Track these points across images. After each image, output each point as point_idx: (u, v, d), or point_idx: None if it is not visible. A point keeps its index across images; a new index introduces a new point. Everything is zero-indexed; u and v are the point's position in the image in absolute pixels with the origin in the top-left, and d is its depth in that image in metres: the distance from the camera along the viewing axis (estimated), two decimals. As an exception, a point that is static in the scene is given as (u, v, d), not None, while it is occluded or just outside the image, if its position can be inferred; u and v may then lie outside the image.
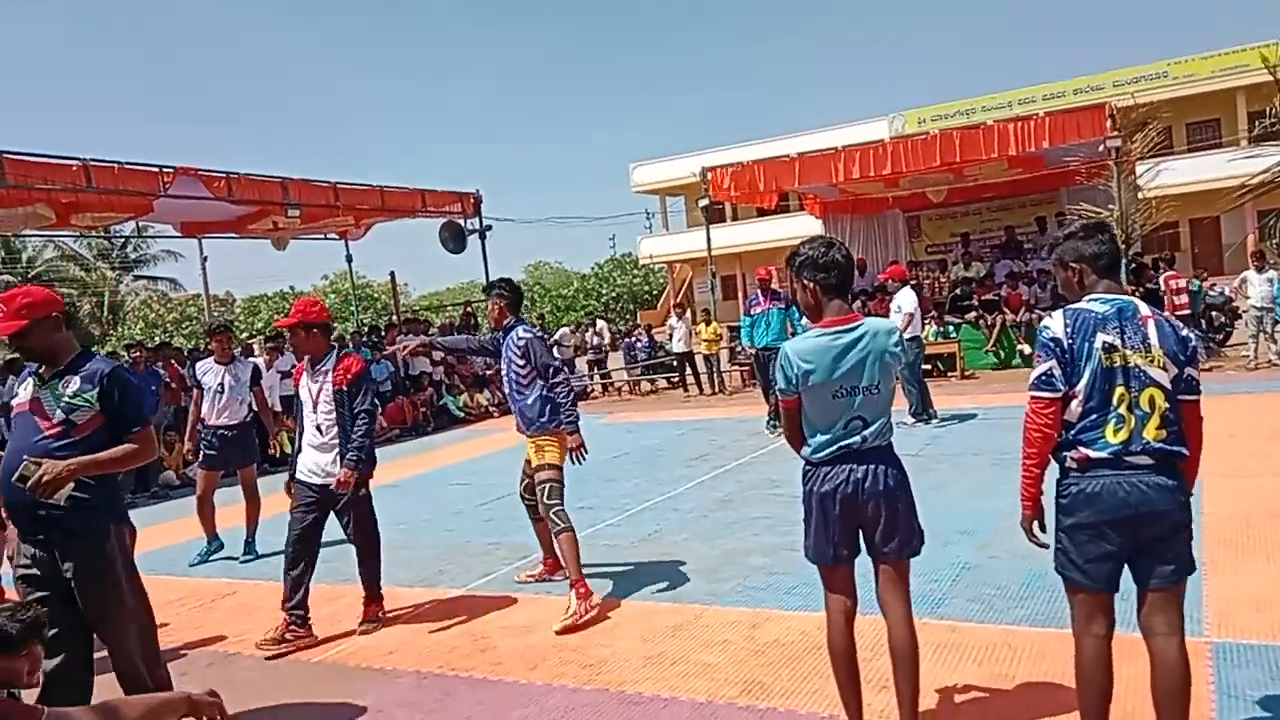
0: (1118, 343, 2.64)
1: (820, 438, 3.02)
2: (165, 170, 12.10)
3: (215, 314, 33.82)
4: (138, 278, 37.88)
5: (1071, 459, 2.70)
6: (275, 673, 4.47)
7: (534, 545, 6.37)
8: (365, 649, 4.68)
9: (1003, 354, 15.02)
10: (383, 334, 17.00)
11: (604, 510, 7.34)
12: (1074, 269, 2.83)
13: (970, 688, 3.51)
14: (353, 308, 28.13)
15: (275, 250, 16.90)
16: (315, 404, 4.98)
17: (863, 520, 3.02)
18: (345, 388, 4.91)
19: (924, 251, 19.01)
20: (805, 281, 3.06)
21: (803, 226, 26.99)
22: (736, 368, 17.35)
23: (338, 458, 4.90)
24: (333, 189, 14.96)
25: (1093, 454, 2.65)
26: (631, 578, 5.43)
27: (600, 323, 20.34)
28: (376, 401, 5.09)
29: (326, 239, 18.53)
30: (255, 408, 7.37)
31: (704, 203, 16.95)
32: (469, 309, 20.29)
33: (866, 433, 2.99)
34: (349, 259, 18.86)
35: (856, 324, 3.01)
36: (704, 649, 4.19)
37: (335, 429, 4.92)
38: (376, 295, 40.80)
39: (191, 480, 11.67)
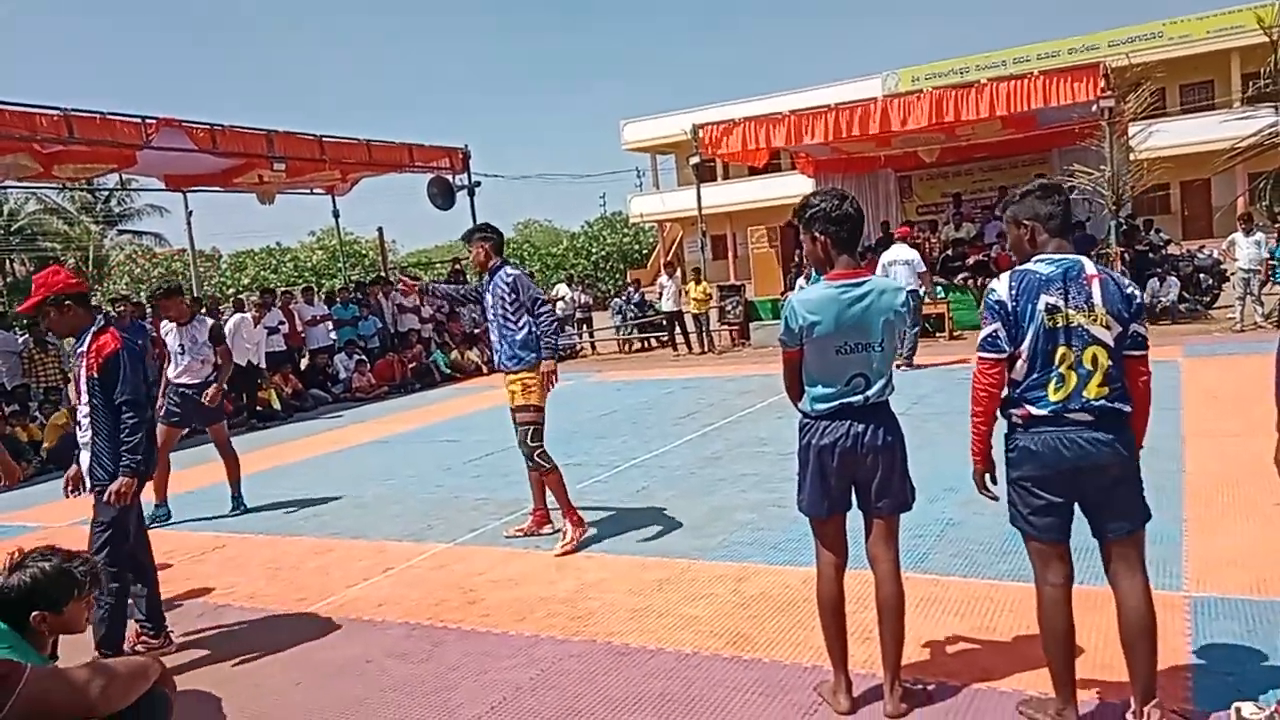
0: (1060, 303, 2.69)
1: (821, 389, 3.02)
2: (148, 121, 11.92)
3: (201, 270, 33.54)
4: (122, 232, 37.48)
5: (1016, 416, 2.78)
6: (265, 624, 4.50)
7: (524, 500, 6.40)
8: (356, 601, 4.71)
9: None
10: (368, 290, 16.89)
11: (593, 467, 7.37)
12: (1025, 227, 2.85)
13: (952, 639, 3.57)
14: (340, 264, 27.94)
15: (261, 205, 16.73)
16: (78, 393, 4.15)
17: (859, 475, 3.04)
18: (97, 374, 3.99)
19: (915, 212, 18.96)
20: (816, 234, 3.04)
21: (794, 186, 26.86)
22: (725, 327, 17.37)
23: (95, 463, 4.00)
24: (318, 142, 14.77)
25: (1035, 411, 2.72)
26: (619, 533, 5.47)
27: (561, 288, 20.05)
28: (143, 389, 4.10)
29: (313, 194, 18.35)
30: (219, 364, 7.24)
31: (695, 161, 16.83)
32: (458, 266, 20.17)
33: (869, 391, 2.99)
34: (336, 214, 18.72)
35: (864, 280, 3.00)
36: (690, 602, 4.23)
37: (89, 427, 4.04)
38: (364, 252, 40.49)
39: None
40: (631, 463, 7.45)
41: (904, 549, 3.20)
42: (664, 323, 17.31)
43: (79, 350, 4.07)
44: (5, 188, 25.09)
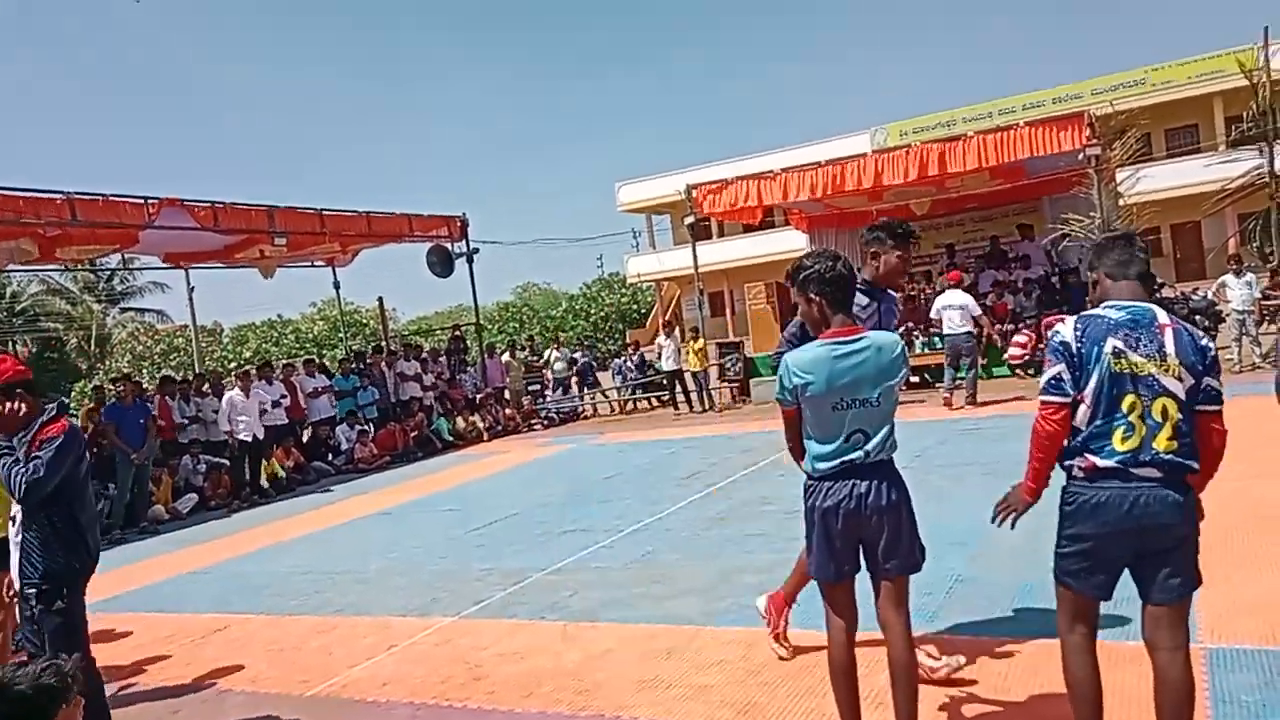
0: (1127, 349, 2.60)
1: (821, 449, 3.02)
2: (150, 201, 12.09)
3: (203, 344, 33.69)
4: (124, 310, 37.77)
5: (1078, 467, 2.67)
6: (269, 709, 4.42)
7: (529, 569, 6.37)
8: (359, 681, 4.64)
9: (988, 365, 15.07)
10: (369, 360, 16.96)
11: (597, 532, 7.32)
12: (1092, 276, 2.85)
13: (966, 699, 3.51)
14: (341, 334, 28.08)
15: (263, 279, 16.89)
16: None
17: (865, 536, 3.01)
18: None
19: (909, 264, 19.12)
20: (811, 295, 3.07)
21: (789, 241, 27.15)
22: (725, 384, 17.38)
23: (25, 560, 3.69)
24: (319, 216, 14.96)
25: (1100, 462, 2.62)
26: (625, 600, 5.41)
27: (549, 352, 20.02)
28: (65, 479, 3.66)
29: (314, 266, 18.54)
30: None
31: (689, 220, 17.02)
32: (457, 332, 20.27)
33: (868, 447, 2.98)
34: (336, 286, 18.89)
35: (859, 336, 3.01)
36: (699, 671, 4.17)
37: (21, 523, 3.71)
38: (365, 321, 40.75)
39: (180, 515, 11.64)
40: (636, 526, 7.39)
41: (913, 607, 3.17)
42: (664, 382, 17.33)
43: (24, 439, 3.66)
44: (6, 271, 25.37)
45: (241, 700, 4.61)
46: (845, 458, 2.99)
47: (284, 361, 18.09)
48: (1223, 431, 2.67)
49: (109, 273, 34.53)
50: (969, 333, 12.38)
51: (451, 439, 15.63)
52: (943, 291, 13.50)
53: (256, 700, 4.57)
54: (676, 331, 17.17)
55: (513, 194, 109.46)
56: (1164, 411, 2.58)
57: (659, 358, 17.15)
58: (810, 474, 3.08)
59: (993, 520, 2.96)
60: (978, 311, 12.60)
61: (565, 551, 6.79)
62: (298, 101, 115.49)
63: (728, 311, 37.50)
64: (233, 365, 34.13)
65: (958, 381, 12.40)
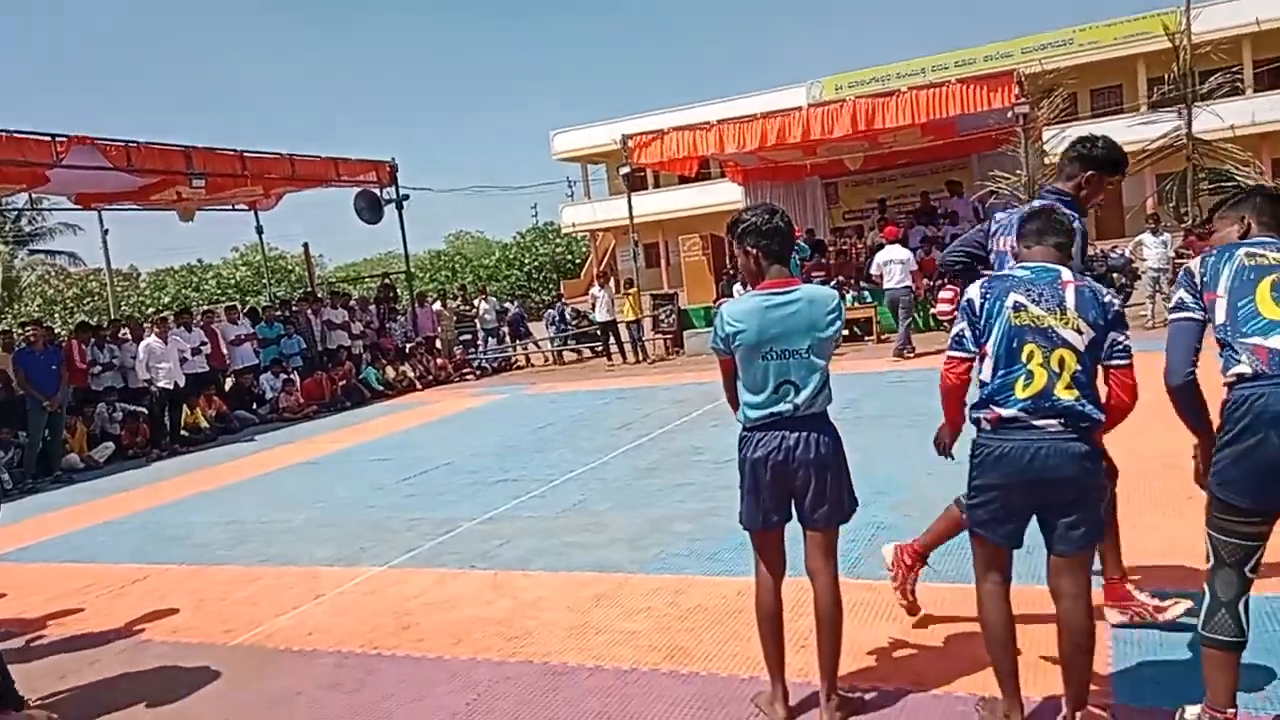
0: (1028, 303, 2.70)
1: (752, 398, 3.04)
2: (59, 139, 11.47)
3: (119, 289, 32.42)
4: (33, 252, 36.02)
5: (985, 420, 2.76)
6: (191, 658, 4.34)
7: (459, 519, 6.34)
8: (285, 630, 4.59)
9: (919, 319, 15.38)
10: (295, 308, 16.53)
11: (529, 482, 7.31)
12: (1019, 245, 2.95)
13: (886, 644, 3.62)
14: (265, 280, 27.28)
15: (181, 222, 16.24)
16: None
17: (793, 488, 3.04)
18: None
19: (841, 218, 19.31)
20: (748, 248, 3.08)
21: (725, 194, 27.17)
22: (659, 335, 17.43)
23: None
24: (239, 158, 14.42)
25: (1004, 412, 2.71)
26: (556, 549, 5.43)
27: (479, 301, 19.80)
28: None
29: (235, 209, 17.90)
30: None
31: (625, 170, 16.89)
32: (387, 280, 19.87)
33: (798, 399, 3.00)
34: (259, 230, 18.25)
35: (793, 289, 3.03)
36: (628, 617, 4.22)
37: None
38: (290, 267, 39.63)
39: (96, 463, 11.28)
40: (568, 476, 7.41)
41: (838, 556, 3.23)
42: (598, 333, 17.29)
43: None
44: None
45: (162, 650, 4.52)
46: (773, 409, 3.01)
47: (204, 308, 17.53)
48: (1133, 385, 2.76)
49: (16, 213, 32.82)
50: (908, 287, 12.89)
51: (381, 388, 15.40)
52: (881, 247, 13.88)
53: (178, 650, 4.49)
54: (611, 282, 17.08)
55: (444, 140, 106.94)
56: (1062, 362, 2.67)
57: (593, 308, 17.09)
58: (743, 424, 3.11)
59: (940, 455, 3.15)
60: (915, 266, 12.94)
61: (497, 501, 6.78)
62: (217, 36, 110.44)
63: (663, 263, 37.50)
64: (150, 311, 32.93)
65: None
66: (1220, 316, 2.66)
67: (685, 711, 3.26)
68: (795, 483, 3.03)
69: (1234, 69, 15.88)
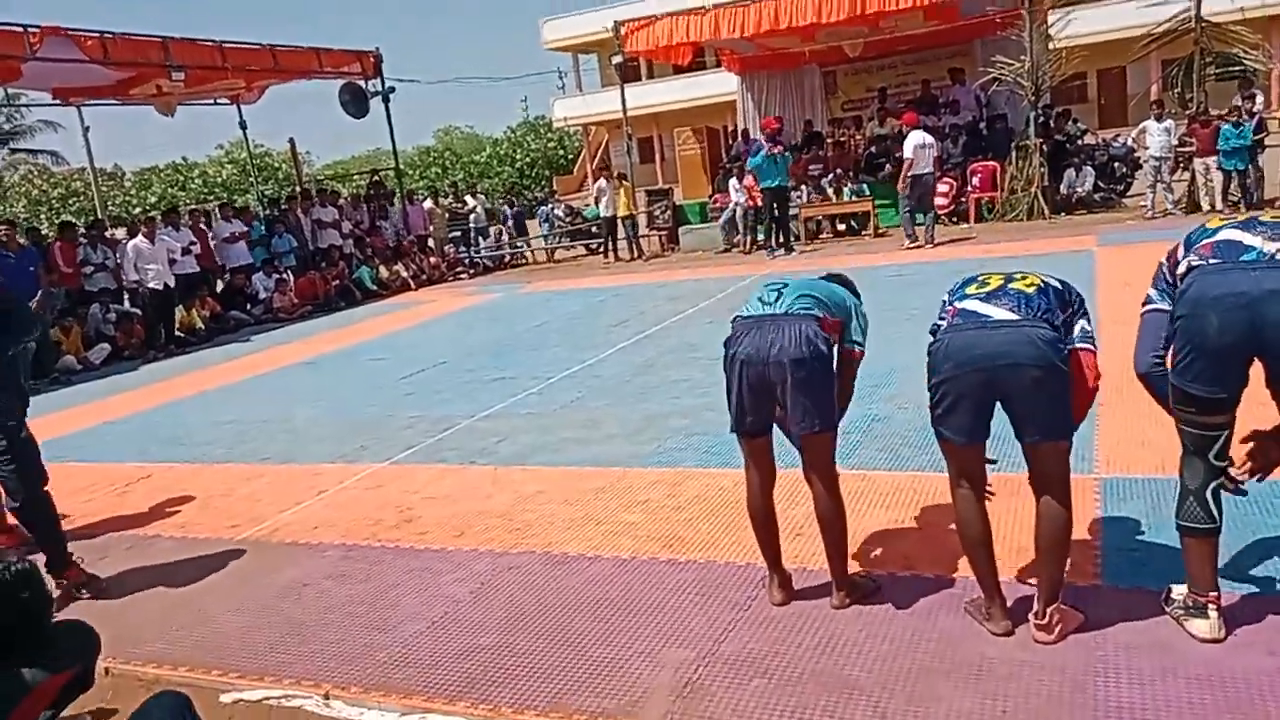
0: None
1: (746, 304, 3.09)
2: (31, 30, 11.08)
3: (104, 189, 31.86)
4: (14, 151, 35.22)
5: (940, 318, 2.82)
6: (198, 552, 4.43)
7: (457, 416, 6.39)
8: (289, 525, 4.67)
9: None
10: (284, 206, 16.27)
11: (526, 380, 7.35)
12: None
13: (879, 531, 3.70)
14: (252, 179, 26.77)
15: (161, 117, 15.85)
16: None
17: (773, 392, 2.98)
18: None
19: (840, 108, 18.85)
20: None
21: (720, 84, 26.44)
22: (654, 232, 17.24)
23: None
24: (219, 49, 13.96)
25: (960, 305, 2.77)
26: (554, 445, 5.49)
27: (470, 199, 19.51)
28: None
29: (217, 104, 17.44)
30: None
31: (617, 59, 16.39)
32: (376, 177, 19.51)
33: (785, 299, 3.00)
34: (243, 125, 17.79)
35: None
36: (626, 509, 4.30)
37: None
38: (277, 165, 38.86)
39: (92, 364, 11.30)
40: (565, 373, 7.44)
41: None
42: (596, 230, 17.02)
43: None
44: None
45: (170, 544, 4.61)
46: (760, 311, 3.02)
47: (191, 207, 17.26)
48: (1096, 374, 2.75)
49: (-8, 110, 31.94)
50: (932, 173, 12.69)
51: (374, 288, 15.31)
52: (880, 139, 13.65)
53: (185, 544, 4.57)
54: (615, 176, 16.64)
55: (430, 31, 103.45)
56: (1024, 278, 2.78)
57: (596, 203, 16.74)
58: (733, 322, 3.11)
59: None
60: (937, 152, 12.84)
61: (494, 398, 6.82)
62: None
63: (657, 158, 36.81)
64: (137, 210, 32.46)
65: (921, 224, 12.59)
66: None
67: (684, 596, 3.35)
68: (774, 386, 2.96)
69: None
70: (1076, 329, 2.78)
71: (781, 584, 3.22)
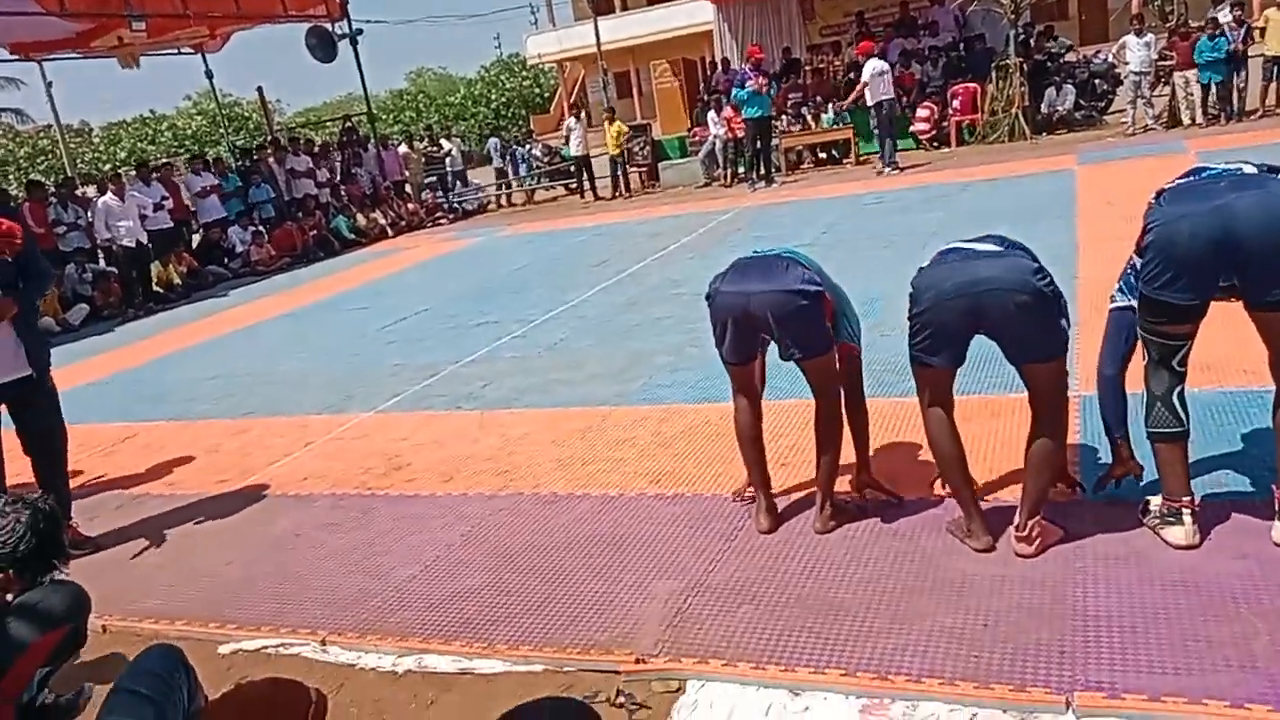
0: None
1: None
2: (-21, -17, 10.73)
3: (72, 146, 31.17)
4: (-25, 111, 34.33)
5: (928, 258, 2.84)
6: (188, 508, 4.45)
7: (442, 362, 6.38)
8: (279, 477, 4.69)
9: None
10: (255, 156, 15.98)
11: (509, 323, 7.32)
12: None
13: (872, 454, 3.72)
14: (222, 129, 26.23)
15: (125, 69, 15.45)
16: None
17: (760, 326, 3.03)
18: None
19: (819, 34, 18.56)
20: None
21: (697, 13, 25.87)
22: (635, 169, 17.04)
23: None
24: (179, -5, 13.56)
25: (945, 248, 2.80)
26: (540, 387, 5.50)
27: (445, 143, 19.23)
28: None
29: (181, 53, 17.01)
30: None
31: (589, -9, 16.00)
32: (350, 123, 19.15)
33: (777, 250, 3.05)
34: (209, 75, 17.40)
35: None
36: (613, 447, 4.32)
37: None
38: (247, 115, 38.06)
39: (71, 325, 11.19)
40: (548, 315, 7.41)
41: (814, 377, 3.27)
42: (572, 169, 16.85)
43: None
44: None
45: (159, 502, 4.62)
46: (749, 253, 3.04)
47: (161, 160, 16.94)
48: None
49: (-51, 68, 31.03)
50: (893, 99, 12.89)
51: (353, 237, 15.14)
52: (857, 65, 13.70)
53: (175, 500, 4.59)
54: (584, 114, 16.44)
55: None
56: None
57: (566, 142, 16.56)
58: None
59: None
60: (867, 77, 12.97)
61: (478, 343, 6.80)
62: None
63: (634, 92, 36.14)
64: (108, 167, 31.81)
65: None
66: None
67: (673, 529, 3.39)
68: (760, 322, 3.00)
69: None
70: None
71: (768, 509, 3.27)
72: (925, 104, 14.55)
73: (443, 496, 4.09)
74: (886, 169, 12.62)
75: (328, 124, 26.45)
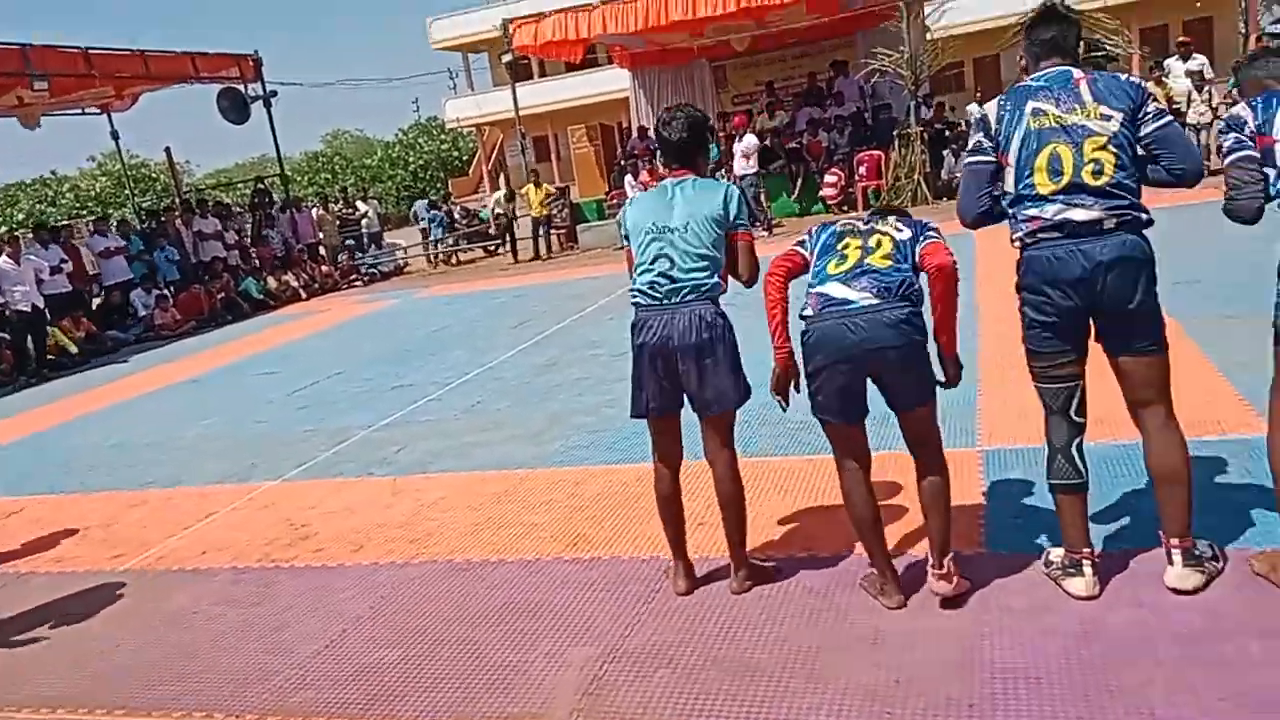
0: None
1: (637, 278, 3.09)
2: None
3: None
4: None
5: (806, 307, 2.90)
6: (79, 586, 4.20)
7: (354, 427, 6.23)
8: (175, 552, 4.47)
9: (805, 202, 15.57)
10: (162, 218, 15.58)
11: (425, 386, 7.21)
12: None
13: (780, 516, 3.75)
14: (128, 190, 25.52)
15: (25, 129, 14.96)
16: None
17: (679, 375, 3.04)
18: None
19: (730, 102, 19.10)
20: (657, 150, 3.19)
21: (612, 81, 26.43)
22: (553, 231, 17.16)
23: None
24: (84, 55, 13.30)
25: (821, 290, 2.86)
26: (456, 450, 5.41)
27: (361, 204, 19.16)
28: None
29: (86, 113, 16.57)
30: None
31: (507, 58, 16.25)
32: (261, 185, 18.85)
33: (675, 278, 3.00)
34: (115, 135, 16.98)
35: (683, 178, 3.14)
36: (529, 510, 4.26)
37: None
38: (155, 175, 37.16)
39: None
40: (465, 377, 7.33)
41: (727, 437, 3.29)
42: (491, 231, 16.86)
43: None
44: None
45: (46, 581, 4.36)
46: (651, 279, 3.03)
47: (62, 223, 16.37)
48: (947, 252, 2.89)
49: None
50: (758, 171, 14.19)
51: (262, 299, 14.80)
52: (739, 137, 14.69)
53: (65, 579, 4.33)
54: (501, 178, 16.55)
55: (313, 31, 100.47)
56: (879, 243, 2.88)
57: (488, 208, 16.62)
58: (634, 303, 3.12)
59: None
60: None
61: (393, 407, 6.67)
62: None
63: (552, 156, 36.55)
64: (3, 229, 30.56)
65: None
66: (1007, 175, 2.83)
67: (589, 593, 3.34)
68: (680, 370, 3.04)
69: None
70: (923, 238, 2.90)
71: (685, 572, 3.25)
72: (832, 170, 15.08)
73: (351, 567, 3.95)
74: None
75: (239, 185, 26.00)
